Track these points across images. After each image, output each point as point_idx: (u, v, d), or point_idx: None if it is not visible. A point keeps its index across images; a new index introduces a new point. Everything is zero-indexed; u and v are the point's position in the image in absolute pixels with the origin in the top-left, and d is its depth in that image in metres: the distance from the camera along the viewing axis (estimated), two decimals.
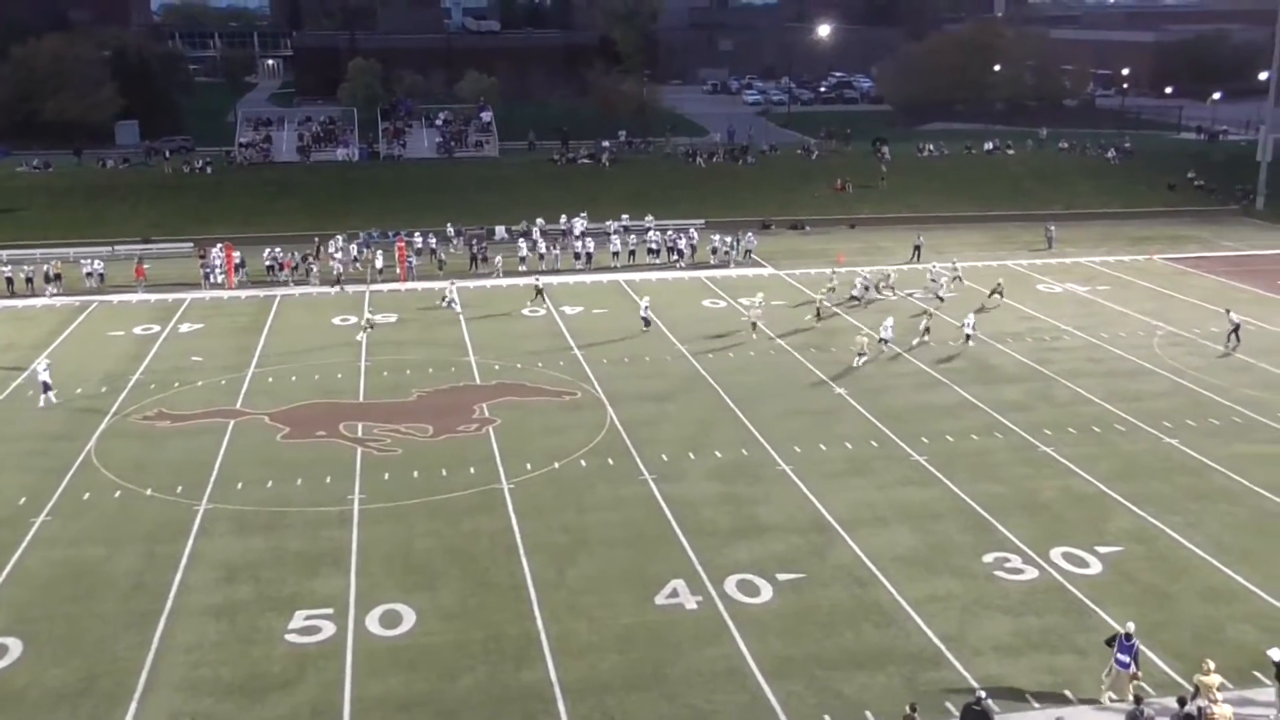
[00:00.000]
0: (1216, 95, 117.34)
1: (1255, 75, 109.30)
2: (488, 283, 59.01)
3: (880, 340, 46.41)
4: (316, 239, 63.41)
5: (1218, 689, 21.91)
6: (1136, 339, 48.15)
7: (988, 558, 29.41)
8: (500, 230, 68.91)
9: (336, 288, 57.72)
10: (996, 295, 53.67)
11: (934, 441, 37.13)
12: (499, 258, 61.41)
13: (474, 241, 64.57)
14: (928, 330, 47.58)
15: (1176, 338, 48.37)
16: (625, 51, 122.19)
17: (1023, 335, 48.69)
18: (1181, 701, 21.73)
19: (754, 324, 49.06)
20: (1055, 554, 29.52)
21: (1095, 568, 28.89)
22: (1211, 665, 22.50)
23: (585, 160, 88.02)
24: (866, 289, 54.96)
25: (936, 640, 25.68)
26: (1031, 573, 28.66)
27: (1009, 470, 34.94)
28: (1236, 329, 46.79)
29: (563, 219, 69.14)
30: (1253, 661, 24.23)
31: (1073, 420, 38.98)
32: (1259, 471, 34.59)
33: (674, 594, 27.62)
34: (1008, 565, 29.03)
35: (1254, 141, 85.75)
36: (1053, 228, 68.79)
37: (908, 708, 21.67)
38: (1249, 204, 79.87)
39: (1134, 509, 32.17)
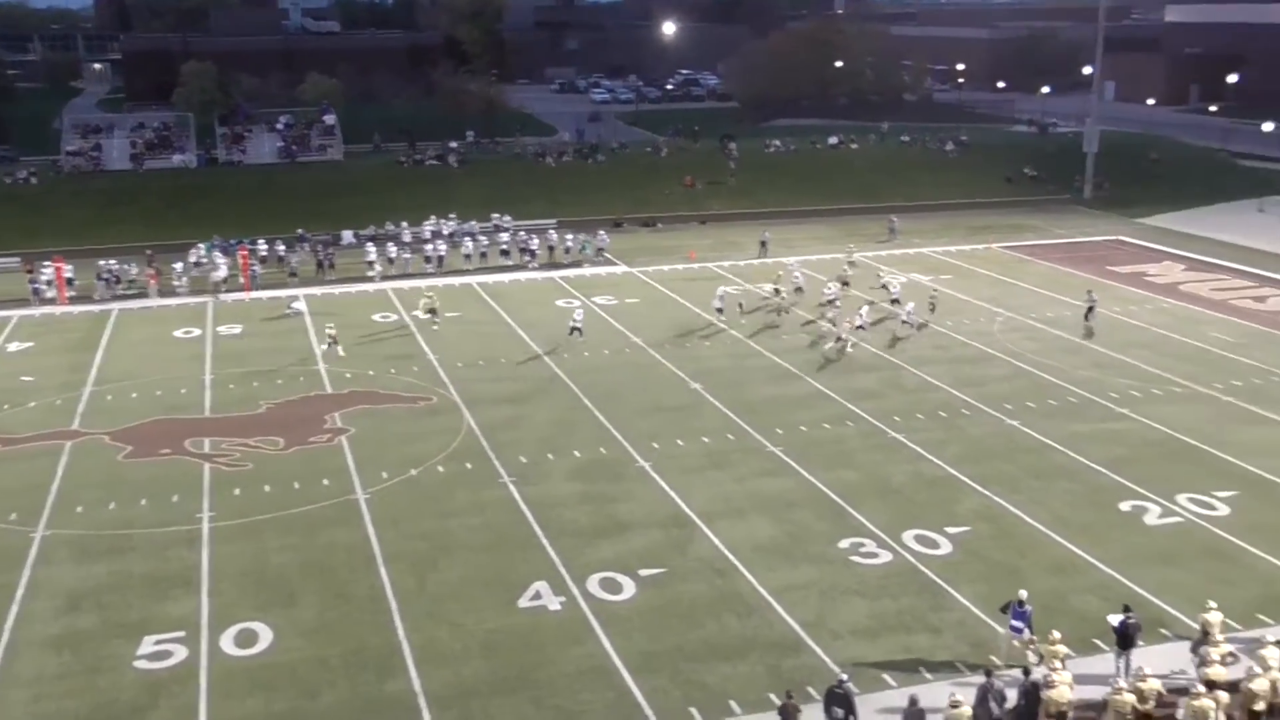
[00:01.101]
0: (1046, 89, 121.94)
1: (1081, 70, 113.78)
2: (336, 289, 57.91)
3: (857, 327, 47.27)
4: (149, 251, 61.02)
5: (1063, 658, 22.75)
6: (978, 326, 49.69)
7: (843, 543, 30.02)
8: (347, 235, 67.68)
9: (217, 297, 55.91)
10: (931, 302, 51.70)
11: (789, 432, 37.74)
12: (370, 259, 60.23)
13: (319, 248, 63.26)
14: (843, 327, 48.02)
15: (1015, 323, 50.05)
16: (471, 51, 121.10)
17: (870, 325, 49.78)
18: (1026, 672, 22.50)
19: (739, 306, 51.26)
20: (908, 537, 30.28)
21: (946, 548, 29.72)
22: (1057, 635, 23.38)
23: (433, 161, 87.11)
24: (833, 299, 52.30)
25: (797, 627, 26.11)
26: (886, 556, 29.35)
27: (861, 457, 35.72)
28: (1092, 308, 48.91)
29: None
30: (1095, 630, 25.22)
31: (921, 406, 40.04)
32: (1095, 449, 36.04)
33: (537, 596, 27.52)
34: (863, 550, 29.68)
35: (1081, 133, 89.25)
36: (895, 220, 70.58)
37: (786, 694, 21.94)
38: (1079, 193, 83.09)
39: (981, 490, 33.21)
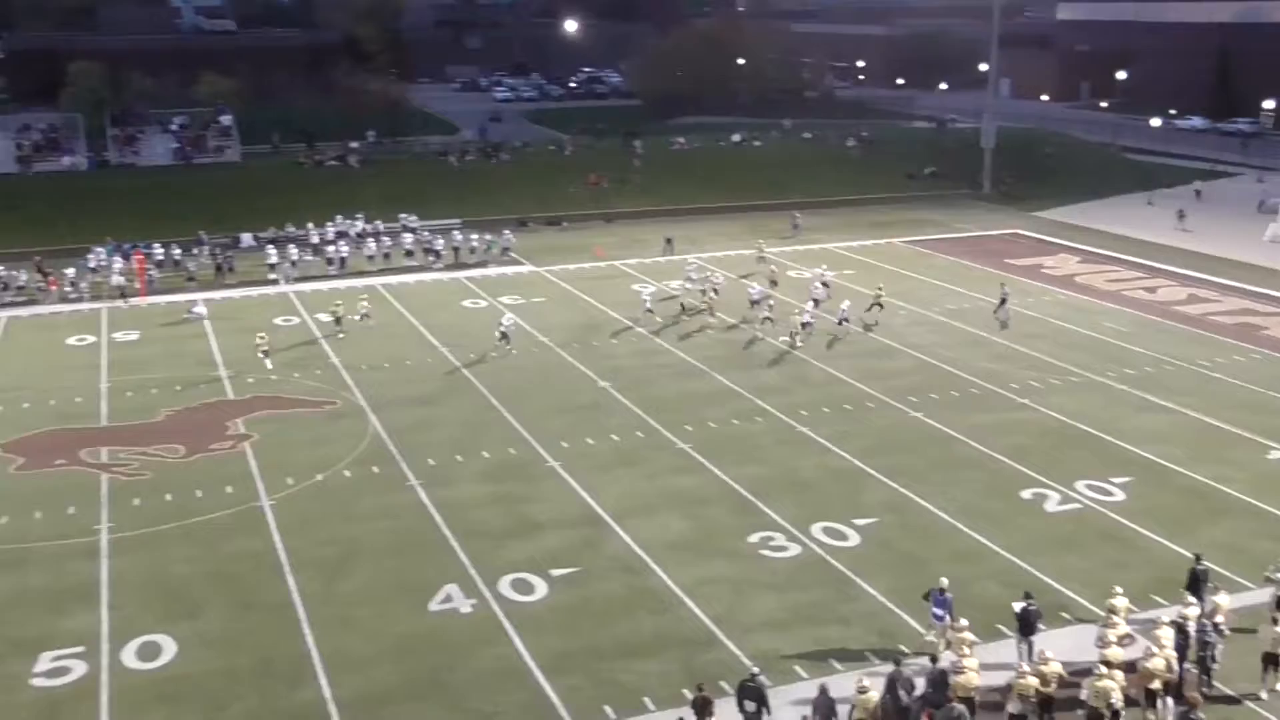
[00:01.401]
0: (944, 86, 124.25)
1: (977, 67, 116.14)
2: (236, 293, 56.87)
3: (804, 324, 47.23)
4: (38, 257, 59.25)
5: (969, 645, 23.18)
6: (882, 319, 50.32)
7: (753, 538, 30.25)
8: (247, 238, 66.52)
9: (118, 302, 54.48)
10: (876, 306, 50.81)
11: (698, 429, 37.93)
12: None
13: (218, 251, 62.07)
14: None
15: (918, 316, 50.84)
16: (370, 50, 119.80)
17: (776, 321, 50.19)
18: (934, 659, 22.87)
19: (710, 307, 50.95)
20: (816, 529, 30.62)
21: (854, 540, 30.11)
22: (964, 623, 23.80)
23: (334, 162, 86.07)
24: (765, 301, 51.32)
25: (709, 622, 26.26)
26: (795, 549, 29.64)
27: (770, 452, 36.02)
28: (1004, 300, 49.63)
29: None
30: (998, 616, 25.71)
31: (828, 400, 40.50)
32: (996, 439, 36.78)
33: (448, 599, 27.32)
34: (773, 543, 29.94)
35: (979, 128, 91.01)
36: (799, 215, 71.30)
37: (697, 687, 22.02)
38: (978, 188, 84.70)
39: (887, 481, 33.69)
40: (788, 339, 46.77)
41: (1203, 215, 71.15)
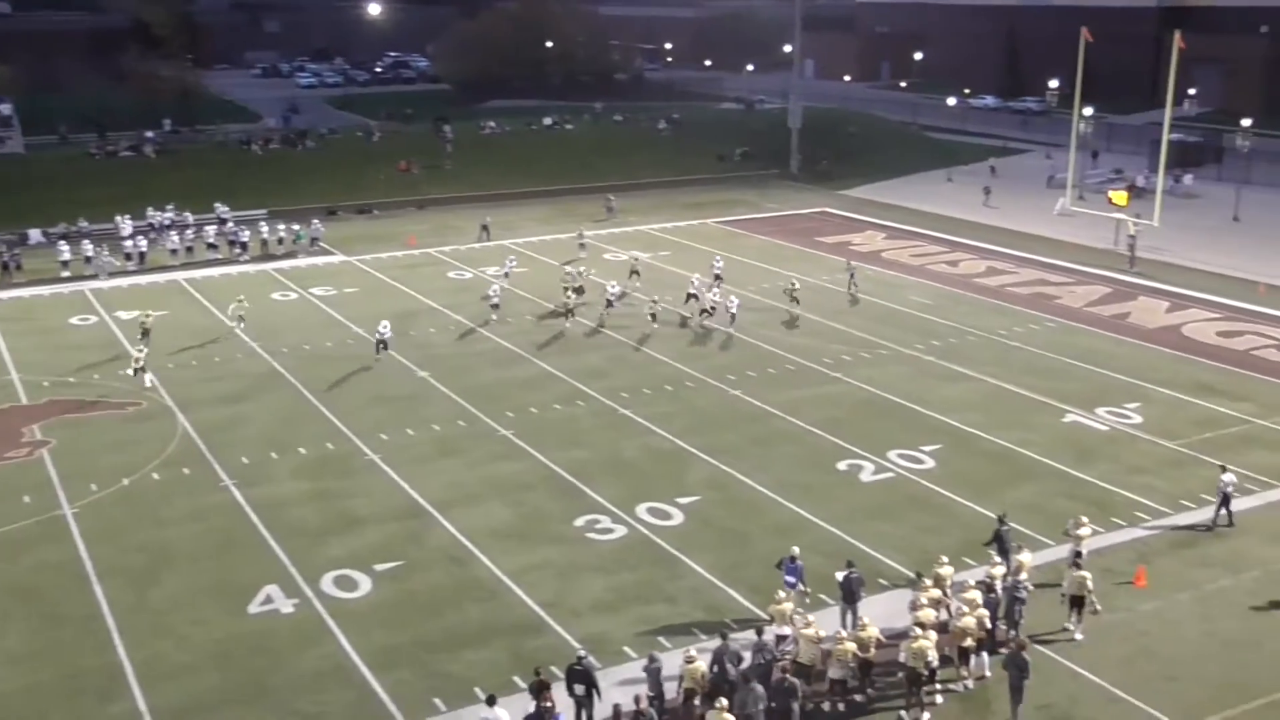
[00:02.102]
0: (750, 67, 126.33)
1: (782, 49, 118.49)
2: (25, 292, 53.96)
3: (703, 311, 47.40)
4: None
5: (792, 614, 23.74)
6: (657, 287, 50.63)
7: (579, 521, 30.34)
8: (35, 234, 63.16)
9: None
10: (794, 302, 49.53)
11: (520, 415, 37.78)
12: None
13: (4, 248, 58.68)
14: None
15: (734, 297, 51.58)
16: (161, 35, 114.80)
17: (593, 304, 50.34)
18: (759, 631, 23.33)
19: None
20: (641, 510, 30.88)
21: (677, 518, 30.49)
22: (782, 595, 24.33)
23: (128, 152, 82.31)
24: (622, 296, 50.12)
25: (537, 608, 26.23)
26: (621, 530, 29.85)
27: (593, 435, 36.15)
28: (852, 275, 51.80)
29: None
30: (821, 586, 26.37)
31: (648, 381, 40.84)
32: (812, 412, 37.74)
33: (268, 600, 26.58)
34: (598, 526, 30.08)
35: (786, 109, 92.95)
36: (613, 198, 71.61)
37: (535, 671, 21.97)
38: (787, 168, 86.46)
39: (708, 459, 34.21)
40: (700, 317, 47.29)
41: (997, 190, 74.28)
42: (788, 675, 21.76)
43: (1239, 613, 25.78)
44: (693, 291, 48.88)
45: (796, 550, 25.96)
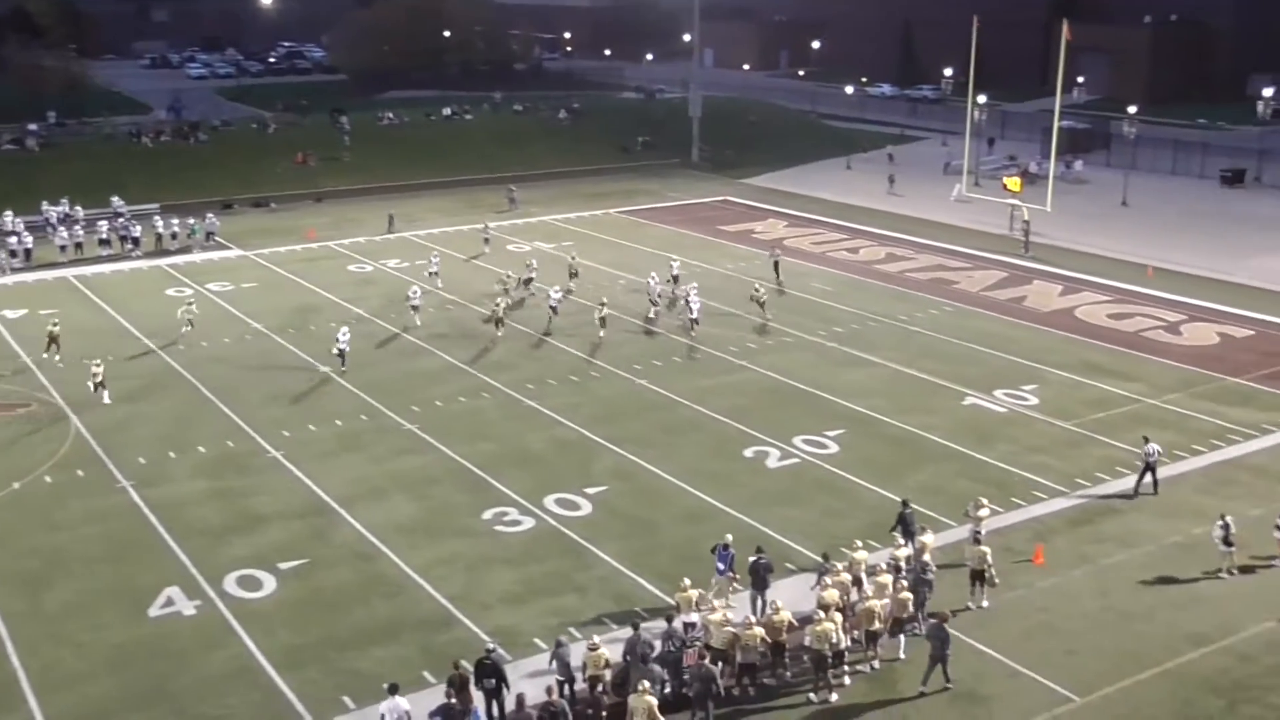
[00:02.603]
0: (649, 56, 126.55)
1: (681, 38, 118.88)
2: None
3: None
4: None
5: (697, 602, 23.86)
6: (600, 289, 50.91)
7: (487, 514, 30.17)
8: None
9: None
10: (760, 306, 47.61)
11: (424, 409, 37.44)
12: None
13: None
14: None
15: (637, 285, 51.63)
16: (43, 24, 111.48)
17: (496, 296, 49.99)
18: (669, 619, 23.42)
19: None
20: (549, 501, 30.81)
21: (586, 509, 30.48)
22: (688, 582, 24.40)
23: (10, 146, 79.72)
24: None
25: (446, 602, 26.04)
26: (529, 523, 29.75)
27: (499, 427, 35.95)
28: (777, 263, 52.26)
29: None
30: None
31: (553, 373, 40.72)
32: (718, 400, 37.96)
33: (169, 603, 26.03)
34: (506, 519, 29.95)
35: (686, 98, 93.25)
36: (515, 189, 71.21)
37: (453, 665, 21.82)
38: (688, 157, 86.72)
39: (615, 449, 34.23)
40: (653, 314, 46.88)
41: (895, 178, 75.32)
42: (704, 661, 21.90)
43: (1133, 586, 26.54)
44: (656, 295, 47.62)
45: (730, 538, 26.04)
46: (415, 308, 46.43)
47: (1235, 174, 75.63)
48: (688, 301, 45.34)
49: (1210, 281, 52.46)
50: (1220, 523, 26.90)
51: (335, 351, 40.97)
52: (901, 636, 23.97)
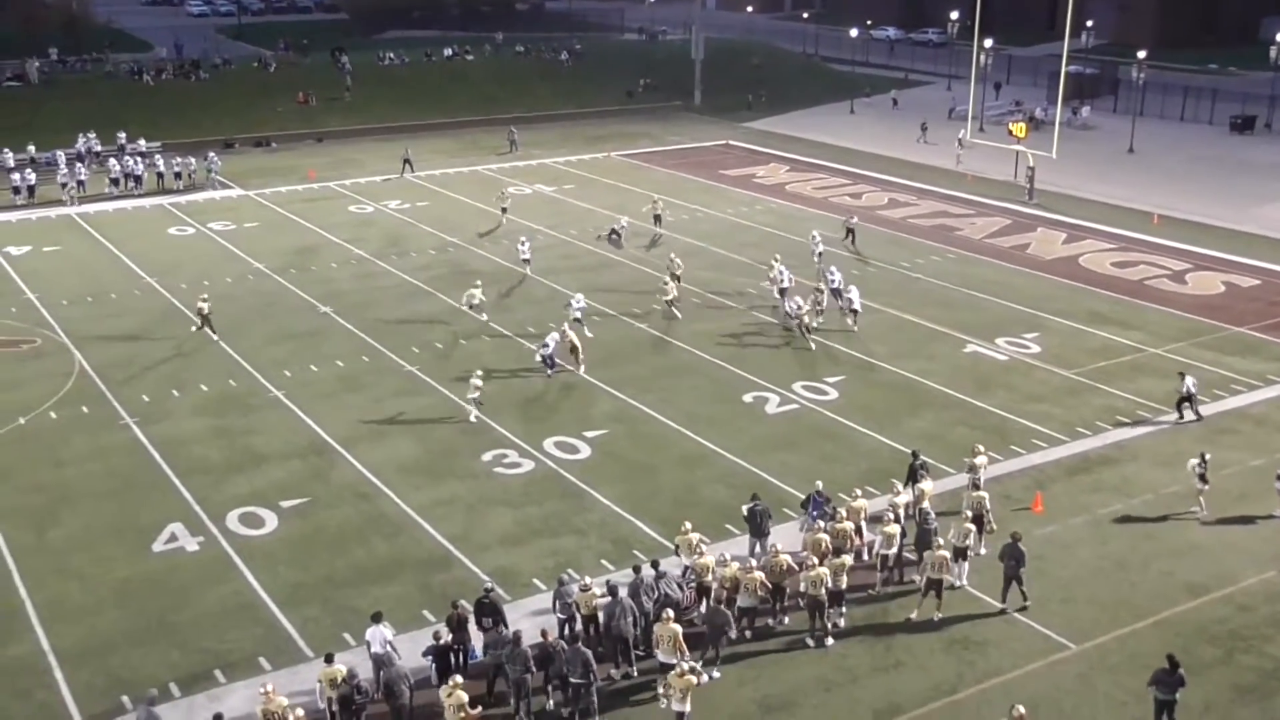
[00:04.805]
0: None
1: None
2: None
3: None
4: None
5: (696, 545, 24.04)
6: (603, 234, 50.76)
7: (486, 456, 30.34)
8: None
9: None
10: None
11: (424, 350, 37.52)
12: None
13: None
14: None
15: (638, 229, 51.51)
16: None
17: (499, 238, 49.98)
18: (655, 564, 23.53)
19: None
20: (548, 444, 30.97)
21: (585, 452, 30.64)
22: (689, 525, 24.58)
23: (12, 83, 79.21)
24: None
25: (445, 542, 26.28)
26: (528, 465, 29.92)
27: (498, 368, 36.00)
28: (850, 231, 48.55)
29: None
30: (725, 516, 26.82)
31: (553, 316, 40.70)
32: (715, 345, 38.02)
33: (172, 538, 26.28)
34: (506, 461, 30.12)
35: (689, 40, 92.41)
36: (515, 131, 70.81)
37: (451, 604, 22.07)
38: (690, 100, 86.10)
39: (615, 393, 34.34)
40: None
41: (899, 122, 74.82)
42: (721, 607, 22.13)
43: (1130, 535, 26.73)
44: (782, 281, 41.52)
45: (820, 484, 26.02)
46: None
47: (1245, 120, 75.02)
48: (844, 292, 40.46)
49: (1217, 230, 52.31)
50: (1197, 460, 27.39)
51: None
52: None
